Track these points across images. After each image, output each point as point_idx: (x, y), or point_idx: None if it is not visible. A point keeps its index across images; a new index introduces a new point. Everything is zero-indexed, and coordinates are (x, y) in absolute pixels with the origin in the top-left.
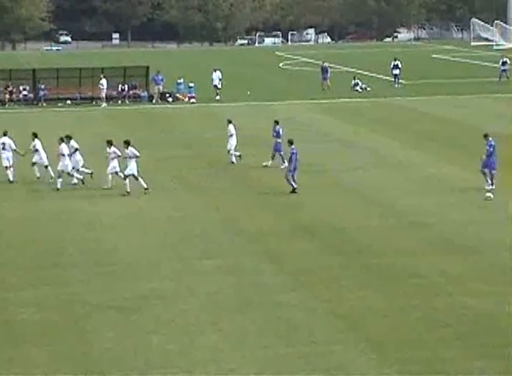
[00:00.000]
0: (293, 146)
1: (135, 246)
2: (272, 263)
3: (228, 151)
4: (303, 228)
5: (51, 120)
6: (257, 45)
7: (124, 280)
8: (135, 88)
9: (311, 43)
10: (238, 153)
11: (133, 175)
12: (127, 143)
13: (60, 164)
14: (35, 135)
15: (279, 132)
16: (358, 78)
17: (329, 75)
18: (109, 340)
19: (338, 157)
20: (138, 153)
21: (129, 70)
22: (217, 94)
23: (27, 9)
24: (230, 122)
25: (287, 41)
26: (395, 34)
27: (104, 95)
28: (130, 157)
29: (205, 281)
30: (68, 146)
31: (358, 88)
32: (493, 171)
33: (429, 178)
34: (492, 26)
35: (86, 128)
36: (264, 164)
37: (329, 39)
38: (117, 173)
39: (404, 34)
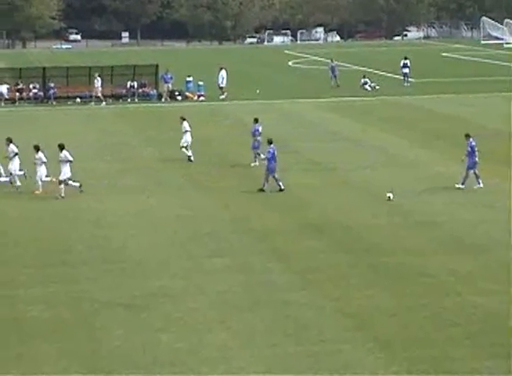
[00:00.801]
0: (272, 146)
1: (144, 244)
2: (281, 262)
3: (181, 147)
4: (311, 226)
5: (60, 118)
6: (266, 43)
7: (133, 278)
8: (145, 86)
9: (321, 42)
10: (189, 153)
11: (64, 180)
12: (61, 147)
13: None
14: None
15: (257, 131)
16: (368, 77)
17: (337, 73)
18: (118, 337)
19: (347, 156)
20: (71, 158)
21: (138, 69)
22: (222, 93)
23: (38, 7)
24: (184, 119)
25: (296, 39)
26: (405, 32)
27: (100, 94)
28: (63, 161)
29: (214, 280)
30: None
31: (367, 86)
32: (469, 171)
33: (438, 176)
34: (502, 24)
35: (95, 126)
36: (252, 164)
37: (338, 38)
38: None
39: (413, 33)
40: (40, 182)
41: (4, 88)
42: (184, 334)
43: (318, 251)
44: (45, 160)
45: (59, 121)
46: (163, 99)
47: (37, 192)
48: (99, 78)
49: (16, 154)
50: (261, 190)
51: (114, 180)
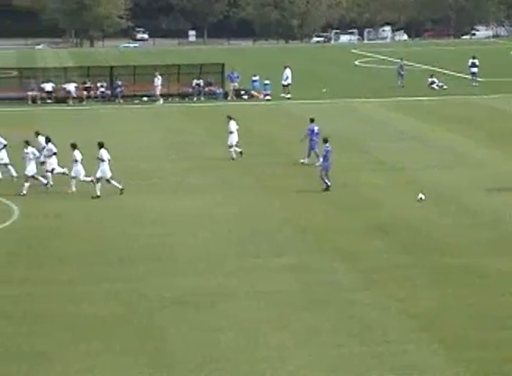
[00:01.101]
0: (327, 144)
1: (201, 242)
2: (344, 261)
3: (229, 147)
4: (377, 226)
5: (127, 116)
6: (332, 42)
7: (189, 276)
8: (211, 85)
9: (388, 40)
10: (239, 150)
11: (97, 179)
12: (100, 145)
13: (74, 169)
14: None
15: (313, 130)
16: (435, 76)
17: (404, 73)
18: (175, 335)
19: (414, 155)
20: (104, 157)
21: (205, 67)
22: (288, 92)
23: (106, 6)
24: (231, 119)
25: (363, 38)
26: (473, 31)
27: (158, 92)
28: (100, 160)
29: (275, 278)
30: (48, 148)
31: (434, 86)
32: None
33: (506, 176)
34: None
35: (161, 124)
36: (301, 161)
37: (405, 36)
38: (75, 177)
39: (482, 32)
40: (87, 179)
41: (72, 87)
42: (244, 333)
43: (383, 250)
44: (78, 158)
45: (126, 120)
46: (229, 98)
47: (70, 191)
48: (159, 77)
49: (55, 154)
50: (326, 190)
51: (179, 178)
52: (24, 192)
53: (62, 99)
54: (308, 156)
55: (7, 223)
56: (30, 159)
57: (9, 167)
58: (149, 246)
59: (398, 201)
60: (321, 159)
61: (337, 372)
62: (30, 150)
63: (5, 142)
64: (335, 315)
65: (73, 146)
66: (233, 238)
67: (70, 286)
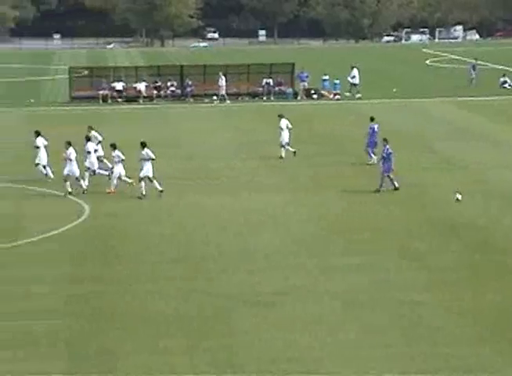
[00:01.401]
0: (388, 146)
1: (268, 241)
2: (405, 261)
3: (284, 146)
4: (442, 226)
5: (197, 115)
6: (403, 42)
7: (254, 275)
8: (281, 84)
9: (459, 40)
10: (292, 149)
11: (148, 178)
12: (143, 145)
13: (67, 168)
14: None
15: (374, 129)
16: (507, 76)
17: (476, 72)
18: (241, 334)
19: (484, 155)
20: (153, 156)
21: (275, 67)
22: (357, 92)
23: (176, 6)
24: (282, 117)
25: (434, 37)
26: None
27: (224, 92)
28: (145, 159)
29: (338, 278)
30: (85, 147)
31: (506, 85)
32: None
33: None
34: None
35: (231, 123)
36: (368, 162)
37: (477, 36)
38: (120, 178)
39: None
40: (115, 181)
41: (142, 86)
42: (307, 333)
43: (447, 250)
44: (123, 157)
45: (196, 119)
46: (299, 98)
47: (108, 190)
48: (223, 77)
49: (89, 152)
50: (377, 191)
51: (249, 178)
52: (84, 188)
53: (132, 98)
54: (374, 154)
55: (77, 222)
56: (70, 160)
57: (39, 167)
58: (216, 244)
59: (465, 200)
60: (374, 157)
61: (407, 372)
62: (70, 150)
63: (40, 144)
64: (396, 314)
65: (113, 147)
66: (299, 237)
67: (137, 284)
